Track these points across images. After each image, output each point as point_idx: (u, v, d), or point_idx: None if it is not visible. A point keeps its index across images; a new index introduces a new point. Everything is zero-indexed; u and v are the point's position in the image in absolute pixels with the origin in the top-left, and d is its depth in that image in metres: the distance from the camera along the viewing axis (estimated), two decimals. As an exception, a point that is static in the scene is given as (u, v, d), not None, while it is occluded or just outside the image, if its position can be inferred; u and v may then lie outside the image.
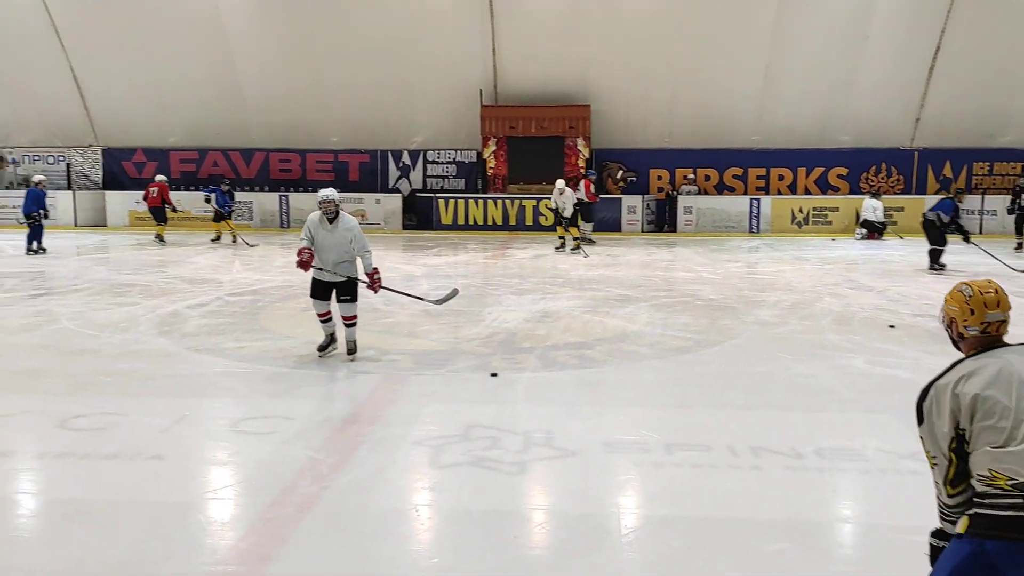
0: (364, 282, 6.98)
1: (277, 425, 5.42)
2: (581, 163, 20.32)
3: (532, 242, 16.75)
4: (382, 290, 7.19)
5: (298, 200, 20.74)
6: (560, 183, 15.80)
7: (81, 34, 20.17)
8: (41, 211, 15.06)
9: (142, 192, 19.85)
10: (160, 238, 17.27)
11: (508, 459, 4.75)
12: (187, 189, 20.57)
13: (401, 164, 21.39)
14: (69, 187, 21.38)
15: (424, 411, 5.77)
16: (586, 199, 16.96)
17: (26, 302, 10.08)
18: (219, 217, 17.43)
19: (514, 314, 9.36)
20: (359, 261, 7.07)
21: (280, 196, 20.78)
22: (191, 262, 14.15)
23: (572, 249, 15.67)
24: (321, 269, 6.94)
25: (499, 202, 20.35)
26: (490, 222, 20.29)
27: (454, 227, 20.31)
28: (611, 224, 19.54)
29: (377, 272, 7.02)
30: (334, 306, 7.09)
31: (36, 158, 22.11)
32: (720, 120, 20.40)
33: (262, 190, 21.07)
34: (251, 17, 19.74)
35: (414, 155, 21.33)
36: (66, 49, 20.35)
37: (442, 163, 21.36)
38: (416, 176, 21.40)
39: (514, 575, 3.56)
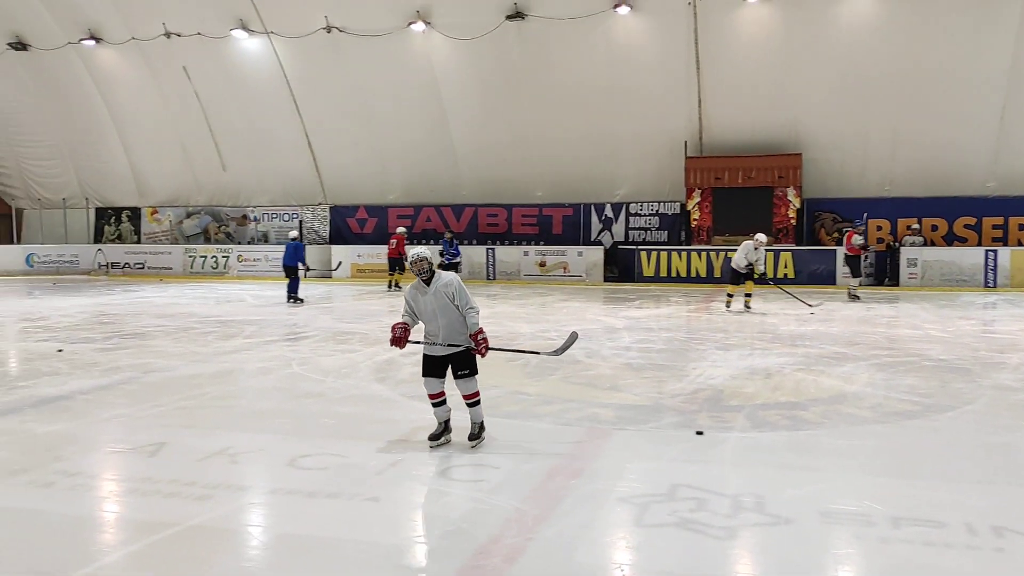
0: (469, 347, 6.05)
1: (484, 474, 5.55)
2: (791, 213, 19.60)
3: (739, 295, 16.19)
4: (492, 351, 6.15)
5: (504, 252, 21.49)
6: (761, 237, 14.55)
7: (316, 107, 22.26)
8: (300, 263, 16.87)
9: (363, 246, 21.66)
10: (397, 285, 18.64)
11: (716, 523, 4.56)
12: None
13: (604, 217, 21.59)
14: (301, 241, 23.40)
15: (628, 467, 5.68)
16: (847, 252, 16.34)
17: (262, 347, 11.06)
18: (444, 267, 18.55)
19: (720, 370, 9.07)
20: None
21: (487, 249, 21.58)
22: (405, 312, 14.94)
23: (746, 307, 14.69)
24: (433, 344, 6.09)
25: (703, 254, 20.00)
26: (693, 274, 19.97)
27: (656, 279, 20.16)
28: (825, 277, 18.66)
29: (482, 333, 6.01)
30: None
31: (273, 215, 24.44)
32: (949, 165, 19.00)
33: (471, 243, 21.98)
34: (462, 76, 20.89)
35: (617, 208, 21.50)
36: (303, 120, 22.48)
37: (645, 215, 21.36)
38: (618, 228, 21.54)
39: (724, 648, 3.38)
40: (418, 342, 6.19)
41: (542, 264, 21.16)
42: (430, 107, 21.29)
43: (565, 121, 20.53)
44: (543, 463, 5.81)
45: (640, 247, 20.68)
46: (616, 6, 19.01)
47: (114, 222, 26.63)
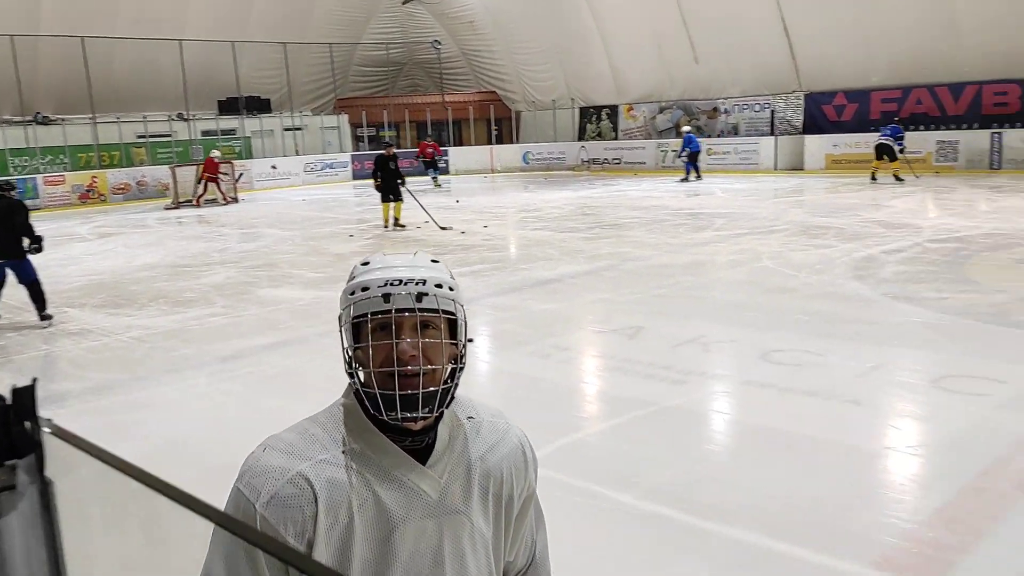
0: None
1: (987, 387, 4.85)
2: None
3: None
4: None
5: (1012, 138, 18.33)
6: None
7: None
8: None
9: (840, 135, 20.26)
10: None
11: None
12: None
13: None
14: (771, 133, 22.61)
15: None
16: None
17: (732, 240, 10.99)
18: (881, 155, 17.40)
19: None
20: None
21: (992, 134, 18.59)
22: (887, 206, 13.67)
23: None
24: None
25: None
26: None
27: None
28: None
29: None
30: None
31: (744, 107, 23.91)
32: None
33: (970, 127, 19.14)
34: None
35: None
36: (780, 2, 21.25)
37: None
38: None
39: None
40: None
41: (1066, 150, 17.59)
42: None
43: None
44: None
45: None
46: None
47: (595, 120, 28.47)
